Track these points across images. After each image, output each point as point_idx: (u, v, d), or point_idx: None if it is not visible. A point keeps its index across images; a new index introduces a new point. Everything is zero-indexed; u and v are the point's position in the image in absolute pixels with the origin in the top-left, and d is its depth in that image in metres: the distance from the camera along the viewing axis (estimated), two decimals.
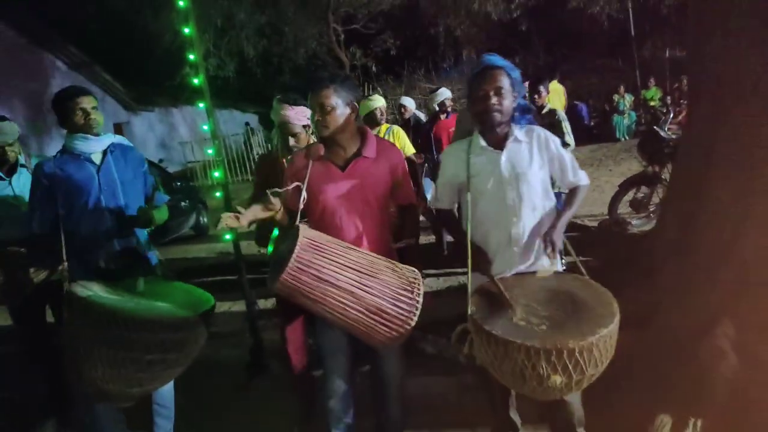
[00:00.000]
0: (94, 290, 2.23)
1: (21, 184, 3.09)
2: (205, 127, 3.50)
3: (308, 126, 2.68)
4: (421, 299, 1.95)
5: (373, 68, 16.63)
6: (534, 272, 2.04)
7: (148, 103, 14.68)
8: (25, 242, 2.74)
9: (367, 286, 1.92)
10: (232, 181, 13.27)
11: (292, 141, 2.65)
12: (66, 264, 2.53)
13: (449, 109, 5.07)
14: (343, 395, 2.25)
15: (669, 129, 6.31)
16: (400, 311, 1.92)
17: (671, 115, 7.09)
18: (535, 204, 2.07)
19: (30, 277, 2.78)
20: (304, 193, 2.10)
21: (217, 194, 3.97)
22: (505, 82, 2.02)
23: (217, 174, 3.88)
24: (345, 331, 2.07)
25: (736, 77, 2.71)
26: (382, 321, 1.92)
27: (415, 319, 1.94)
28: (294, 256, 1.82)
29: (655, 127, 5.72)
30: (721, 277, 2.65)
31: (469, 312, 1.77)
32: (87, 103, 2.62)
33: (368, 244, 2.16)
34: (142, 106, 14.58)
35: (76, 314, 2.10)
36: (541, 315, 1.72)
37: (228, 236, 3.51)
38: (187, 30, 3.39)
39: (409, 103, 5.61)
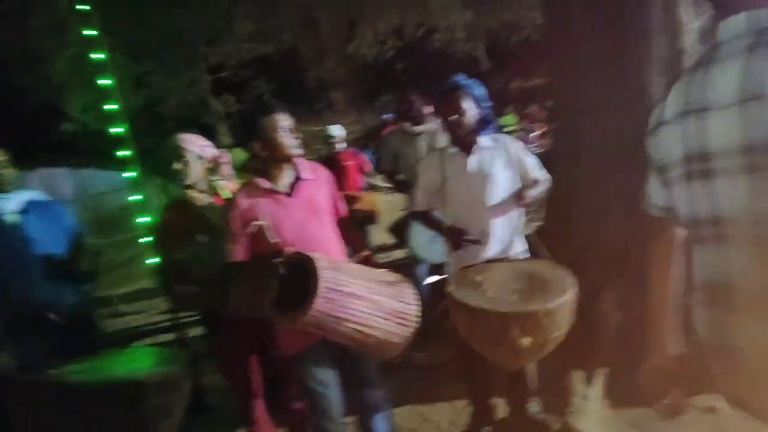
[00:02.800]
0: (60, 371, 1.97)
1: None
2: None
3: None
4: (413, 290, 2.11)
5: None
6: (504, 258, 2.46)
7: None
8: None
9: (378, 292, 2.01)
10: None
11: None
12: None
13: (343, 144, 5.33)
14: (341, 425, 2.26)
15: (530, 146, 7.35)
16: (409, 307, 2.06)
17: (529, 135, 8.21)
18: (503, 200, 2.48)
19: None
20: (266, 226, 2.11)
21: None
22: (468, 99, 2.45)
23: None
24: (338, 358, 2.14)
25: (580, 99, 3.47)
26: (399, 321, 2.02)
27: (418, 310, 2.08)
28: (320, 279, 1.82)
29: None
30: (596, 258, 3.30)
31: (448, 290, 2.14)
32: None
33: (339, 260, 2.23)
34: None
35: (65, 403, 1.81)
36: (511, 289, 2.09)
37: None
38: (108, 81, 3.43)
39: (339, 132, 5.35)
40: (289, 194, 2.25)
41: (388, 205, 6.35)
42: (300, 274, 1.91)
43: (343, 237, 2.40)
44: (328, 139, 5.24)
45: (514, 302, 2.02)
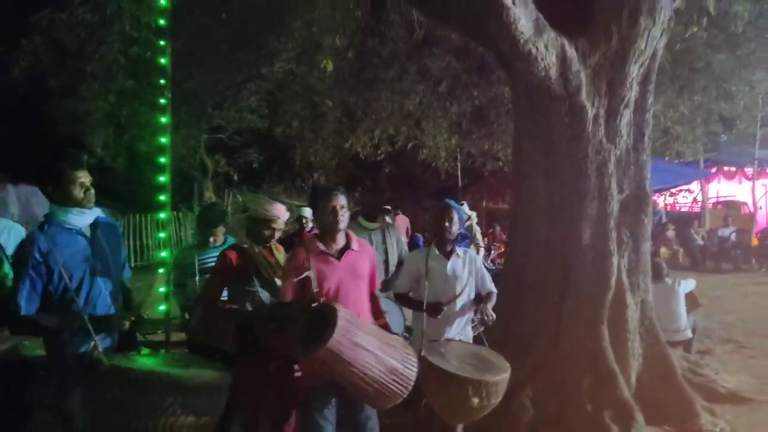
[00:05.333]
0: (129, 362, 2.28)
1: None
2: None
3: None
4: (416, 359, 2.50)
5: (235, 177, 17.69)
6: (460, 340, 3.27)
7: None
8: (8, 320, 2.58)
9: (384, 350, 2.39)
10: None
11: (266, 233, 3.04)
12: (97, 340, 2.41)
13: (310, 224, 5.66)
14: None
15: (490, 261, 8.35)
16: (408, 370, 2.44)
17: (491, 253, 9.22)
18: (465, 296, 3.35)
19: None
20: (312, 277, 2.62)
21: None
22: (455, 216, 3.34)
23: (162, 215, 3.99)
24: (342, 403, 2.52)
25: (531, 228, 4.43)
26: (396, 379, 2.38)
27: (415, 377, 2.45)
28: (338, 324, 2.21)
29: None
30: (524, 359, 4.09)
31: (423, 354, 2.84)
32: (85, 177, 2.60)
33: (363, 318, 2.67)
34: None
35: (125, 388, 2.11)
36: (466, 363, 2.87)
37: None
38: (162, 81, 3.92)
39: (309, 214, 5.79)
40: (337, 258, 2.78)
41: None
42: (324, 322, 2.32)
43: (371, 304, 2.92)
44: (301, 219, 5.64)
45: (470, 372, 2.79)
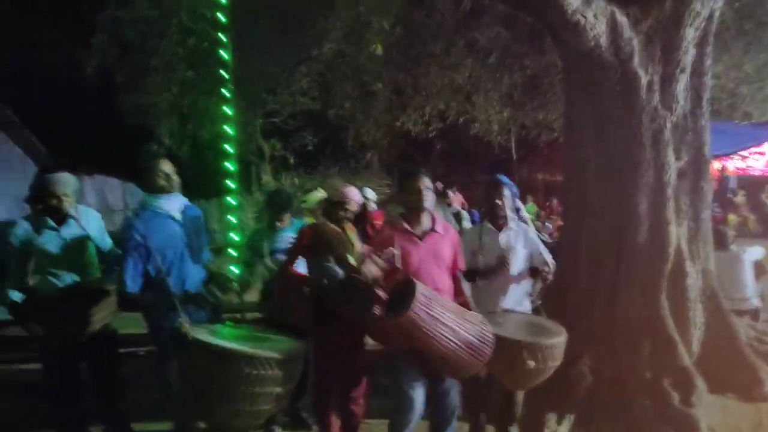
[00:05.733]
0: (213, 336, 2.43)
1: (69, 234, 3.18)
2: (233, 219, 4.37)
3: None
4: (492, 334, 2.63)
5: (291, 160, 18.15)
6: (516, 311, 3.38)
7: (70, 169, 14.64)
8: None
9: (461, 324, 2.53)
10: None
11: (341, 214, 3.17)
12: (185, 317, 2.59)
13: (373, 205, 5.98)
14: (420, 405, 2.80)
15: (548, 235, 8.28)
16: (484, 345, 2.58)
17: (549, 226, 9.14)
18: (520, 267, 3.43)
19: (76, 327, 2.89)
20: (397, 255, 2.76)
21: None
22: (507, 192, 3.43)
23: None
24: (424, 364, 2.63)
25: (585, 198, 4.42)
26: (471, 353, 2.53)
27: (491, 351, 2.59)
28: (416, 296, 2.36)
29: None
30: (581, 327, 4.16)
31: None
32: (167, 166, 2.95)
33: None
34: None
35: (208, 360, 2.28)
36: (522, 330, 3.00)
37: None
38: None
39: (371, 195, 6.08)
40: (420, 238, 2.94)
41: None
42: (404, 295, 2.50)
43: (453, 284, 3.05)
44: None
45: (524, 336, 2.92)
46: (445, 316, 2.49)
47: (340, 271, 3.01)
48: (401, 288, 2.59)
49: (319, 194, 5.04)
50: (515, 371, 2.88)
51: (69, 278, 3.14)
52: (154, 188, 2.91)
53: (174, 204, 2.97)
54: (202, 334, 2.41)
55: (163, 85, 9.81)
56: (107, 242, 3.34)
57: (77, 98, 11.58)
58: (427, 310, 2.43)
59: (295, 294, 3.28)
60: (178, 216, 2.98)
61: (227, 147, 4.09)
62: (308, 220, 4.65)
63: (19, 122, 12.83)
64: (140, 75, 9.45)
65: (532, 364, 2.80)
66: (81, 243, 3.20)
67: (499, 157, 14.72)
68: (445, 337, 2.46)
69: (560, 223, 9.86)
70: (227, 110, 4.16)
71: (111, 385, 3.37)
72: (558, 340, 2.92)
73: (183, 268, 2.95)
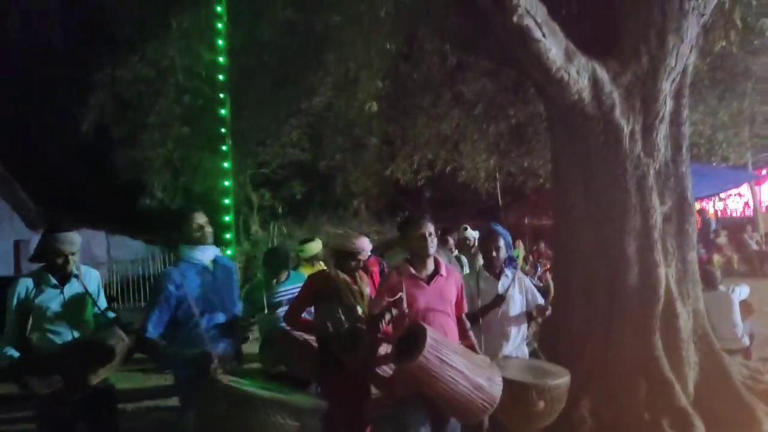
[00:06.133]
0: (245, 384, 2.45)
1: (72, 292, 3.20)
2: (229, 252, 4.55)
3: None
4: (501, 378, 2.66)
5: (280, 210, 18.25)
6: (517, 356, 3.47)
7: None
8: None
9: (470, 368, 2.57)
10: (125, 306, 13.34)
11: (353, 264, 3.31)
12: (216, 362, 2.68)
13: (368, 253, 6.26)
14: None
15: (537, 279, 8.40)
16: (493, 388, 2.61)
17: (538, 269, 9.25)
18: (517, 313, 3.55)
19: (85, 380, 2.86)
20: (404, 299, 2.80)
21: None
22: (502, 242, 3.57)
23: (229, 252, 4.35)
24: (431, 408, 2.63)
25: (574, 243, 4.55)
26: (481, 396, 2.55)
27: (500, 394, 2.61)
28: (427, 341, 2.40)
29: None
30: (577, 370, 4.20)
31: None
32: (202, 219, 3.08)
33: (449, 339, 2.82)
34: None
35: (235, 403, 2.31)
36: (527, 373, 3.07)
37: None
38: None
39: (367, 244, 6.44)
40: (427, 282, 3.02)
41: None
42: (414, 340, 2.53)
43: (458, 327, 3.12)
44: None
45: (530, 378, 2.99)
46: (455, 360, 2.53)
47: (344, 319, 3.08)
48: (410, 333, 2.64)
49: (316, 244, 5.20)
50: (523, 413, 2.92)
51: (68, 335, 3.15)
52: (190, 240, 3.02)
53: (207, 255, 3.09)
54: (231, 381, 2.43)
55: (158, 141, 10.01)
56: (103, 301, 3.39)
57: (70, 153, 11.73)
58: (438, 354, 2.47)
59: (297, 345, 3.35)
60: (210, 266, 3.10)
61: (225, 201, 4.18)
62: (304, 270, 4.73)
63: (9, 176, 12.93)
64: (137, 131, 9.65)
65: (541, 404, 2.85)
66: (82, 301, 3.24)
67: (486, 203, 14.97)
68: (456, 381, 2.49)
69: (548, 266, 10.00)
70: (225, 165, 4.27)
71: None
72: (564, 380, 3.00)
73: (213, 318, 3.04)
